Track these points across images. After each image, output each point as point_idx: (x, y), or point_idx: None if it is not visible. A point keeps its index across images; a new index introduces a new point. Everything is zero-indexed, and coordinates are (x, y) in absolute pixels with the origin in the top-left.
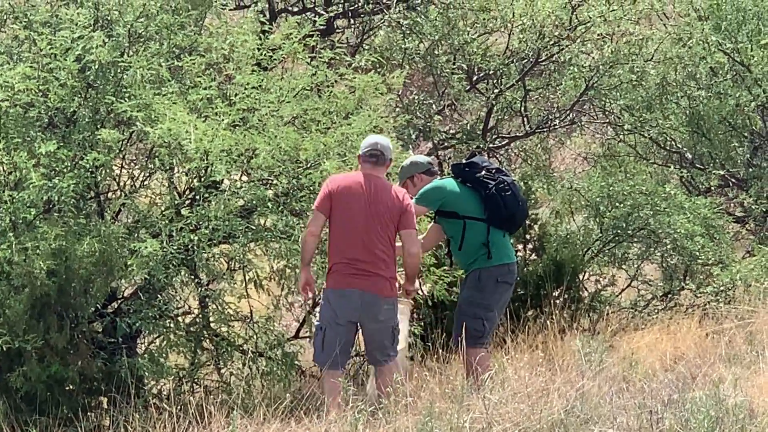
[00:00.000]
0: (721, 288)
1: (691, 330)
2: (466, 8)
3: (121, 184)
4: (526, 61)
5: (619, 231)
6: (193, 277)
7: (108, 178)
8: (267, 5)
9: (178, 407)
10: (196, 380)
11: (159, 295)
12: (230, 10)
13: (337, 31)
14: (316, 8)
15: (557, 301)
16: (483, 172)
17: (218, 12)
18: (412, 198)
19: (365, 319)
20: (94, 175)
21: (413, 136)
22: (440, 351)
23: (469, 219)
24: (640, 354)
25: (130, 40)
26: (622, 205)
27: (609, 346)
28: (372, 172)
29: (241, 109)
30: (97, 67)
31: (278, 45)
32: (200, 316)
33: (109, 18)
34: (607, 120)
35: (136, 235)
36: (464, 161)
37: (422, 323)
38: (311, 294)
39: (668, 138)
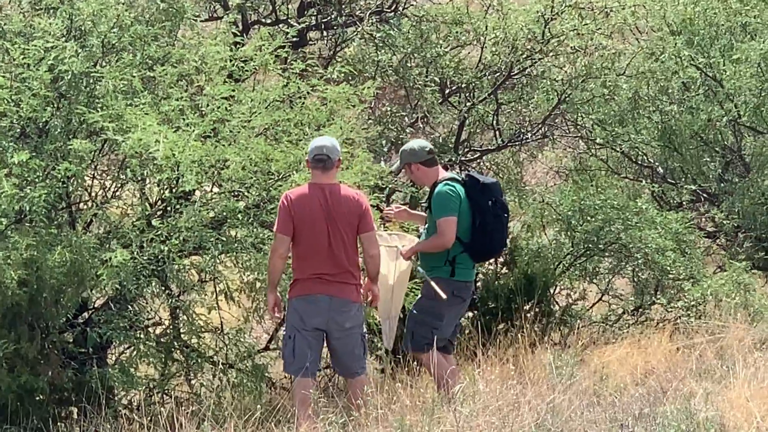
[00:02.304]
0: (692, 303)
1: (661, 344)
2: (439, 21)
3: (93, 194)
4: (498, 74)
5: (590, 245)
6: (163, 288)
7: (80, 189)
8: (240, 17)
9: (149, 418)
10: (166, 391)
11: (130, 306)
12: (203, 21)
13: (310, 42)
14: (289, 20)
15: (528, 315)
16: (491, 203)
17: (191, 23)
18: (417, 179)
19: (332, 325)
20: (65, 186)
21: (385, 148)
22: (411, 364)
23: None
24: (610, 368)
25: (103, 51)
26: (593, 219)
27: (580, 359)
28: (323, 179)
29: (213, 120)
30: (69, 77)
31: (250, 56)
32: (171, 327)
33: (82, 28)
34: (579, 134)
35: (107, 245)
36: (481, 179)
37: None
38: (279, 315)
39: (640, 152)
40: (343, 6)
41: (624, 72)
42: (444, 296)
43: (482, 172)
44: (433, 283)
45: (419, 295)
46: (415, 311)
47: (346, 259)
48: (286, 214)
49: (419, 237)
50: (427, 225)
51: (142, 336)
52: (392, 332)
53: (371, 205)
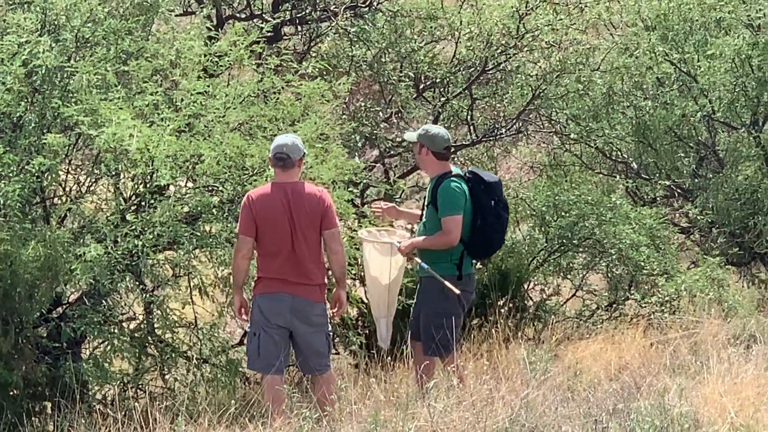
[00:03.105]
0: (666, 298)
1: (635, 340)
2: (414, 16)
3: (67, 189)
4: (473, 69)
5: (564, 241)
6: (137, 282)
7: (54, 183)
8: (214, 11)
9: (123, 413)
10: (140, 386)
11: (104, 301)
12: (177, 15)
13: (284, 38)
14: (264, 15)
15: (502, 310)
16: (494, 202)
17: (165, 18)
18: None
19: (297, 323)
20: (39, 180)
21: (359, 143)
22: (385, 359)
23: None
24: (584, 363)
25: (77, 45)
26: (567, 214)
27: (554, 355)
28: (285, 178)
29: (187, 115)
30: (43, 71)
31: (225, 51)
32: (145, 321)
33: (56, 23)
34: (554, 129)
35: (81, 240)
36: (485, 178)
37: (366, 331)
38: (246, 317)
39: (614, 148)
40: (318, 1)
41: (598, 67)
42: (457, 291)
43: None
44: (444, 281)
45: (422, 297)
46: (431, 317)
47: (309, 259)
48: (248, 215)
49: (410, 233)
50: (424, 219)
51: (116, 331)
52: (389, 332)
53: (346, 200)
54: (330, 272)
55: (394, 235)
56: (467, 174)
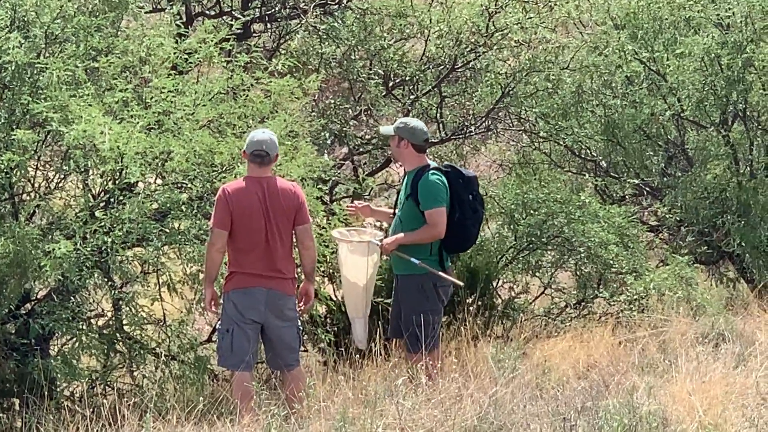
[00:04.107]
0: (635, 297)
1: (604, 338)
2: (383, 14)
3: (36, 185)
4: (442, 67)
5: (533, 238)
6: (106, 279)
7: (23, 180)
8: (184, 8)
9: (91, 409)
10: (108, 383)
11: (72, 297)
12: (147, 12)
13: (254, 35)
14: (233, 12)
15: (471, 308)
16: (471, 197)
17: (135, 14)
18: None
19: (270, 317)
20: (8, 176)
21: (329, 141)
22: (354, 356)
23: None
24: (553, 361)
25: (46, 42)
26: (536, 212)
27: (522, 353)
28: (260, 173)
29: (157, 112)
30: (13, 68)
31: (194, 48)
32: (113, 318)
33: (25, 19)
34: (523, 127)
35: (50, 236)
36: (464, 172)
37: (335, 329)
38: (216, 310)
39: (583, 146)
40: None
41: (568, 66)
42: (460, 283)
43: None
44: (442, 274)
45: (401, 296)
46: (412, 315)
47: (282, 254)
48: (224, 209)
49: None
50: (400, 214)
51: (84, 327)
52: (365, 332)
53: (315, 198)
54: (299, 267)
55: (364, 234)
56: (445, 168)
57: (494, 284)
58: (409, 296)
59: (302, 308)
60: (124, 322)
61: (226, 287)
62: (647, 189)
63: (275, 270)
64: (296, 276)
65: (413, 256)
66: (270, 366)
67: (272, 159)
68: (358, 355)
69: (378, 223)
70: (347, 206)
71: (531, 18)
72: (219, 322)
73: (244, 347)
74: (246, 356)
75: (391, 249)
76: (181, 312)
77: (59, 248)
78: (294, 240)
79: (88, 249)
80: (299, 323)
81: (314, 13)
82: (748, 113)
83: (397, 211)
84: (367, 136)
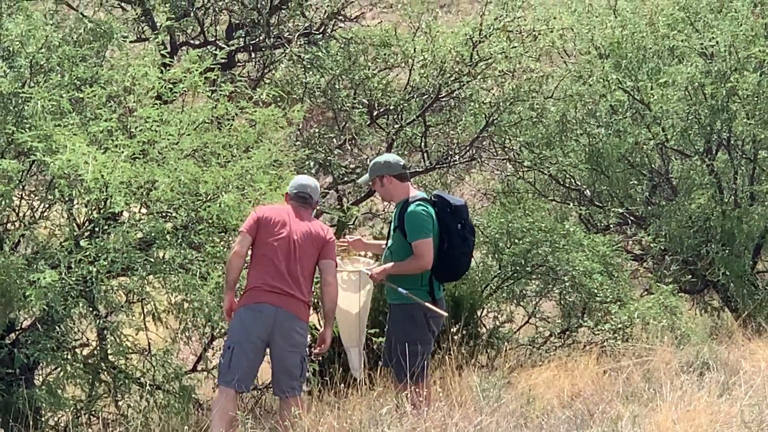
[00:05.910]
0: (619, 326)
1: (588, 367)
2: (367, 43)
3: (21, 214)
4: (426, 96)
5: (517, 268)
6: (91, 308)
7: (7, 209)
8: (168, 38)
9: None
10: (93, 412)
11: (57, 327)
12: (131, 42)
13: (238, 64)
14: (218, 41)
15: (455, 337)
16: (460, 225)
17: (119, 44)
18: (385, 195)
19: (276, 336)
20: None
21: (313, 170)
22: (339, 385)
23: None
24: (537, 390)
25: (31, 71)
26: (521, 241)
27: (507, 382)
28: (300, 211)
29: (142, 141)
30: None
31: (179, 78)
32: (98, 348)
33: (11, 49)
34: (507, 156)
35: (35, 266)
36: (451, 201)
37: (320, 358)
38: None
39: (567, 175)
40: (272, 28)
41: (552, 95)
42: (444, 313)
43: None
44: (426, 304)
45: (391, 325)
46: (399, 345)
47: (300, 276)
48: (254, 218)
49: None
50: (390, 245)
51: (69, 357)
52: (361, 360)
53: None
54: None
55: (358, 263)
56: (433, 197)
57: (479, 313)
58: (399, 325)
59: (315, 352)
60: (109, 351)
61: (238, 304)
62: (631, 218)
63: (289, 288)
64: (311, 302)
65: (404, 286)
66: (273, 391)
67: (313, 204)
68: (343, 384)
69: (370, 254)
70: (339, 242)
71: (515, 47)
72: (226, 338)
73: (240, 366)
74: (237, 373)
75: (379, 279)
76: (166, 341)
77: (44, 278)
78: (317, 273)
79: (73, 278)
80: (306, 352)
81: (298, 43)
82: (732, 142)
83: (388, 242)
84: (351, 165)
